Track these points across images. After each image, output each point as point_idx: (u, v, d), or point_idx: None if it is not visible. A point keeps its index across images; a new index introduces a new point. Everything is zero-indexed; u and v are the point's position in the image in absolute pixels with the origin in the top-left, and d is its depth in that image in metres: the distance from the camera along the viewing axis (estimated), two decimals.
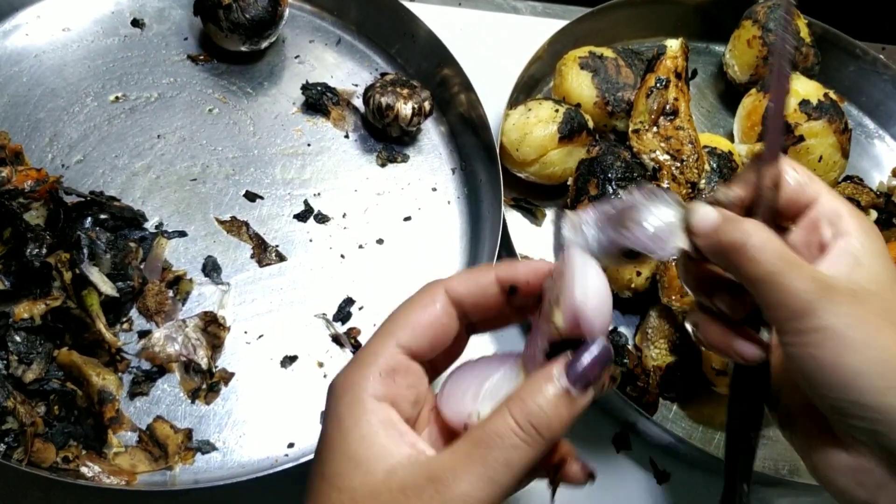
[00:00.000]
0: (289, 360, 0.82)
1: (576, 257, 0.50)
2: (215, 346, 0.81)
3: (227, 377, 0.80)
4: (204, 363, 0.79)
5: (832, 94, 1.03)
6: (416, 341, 0.51)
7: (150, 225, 0.86)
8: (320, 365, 0.83)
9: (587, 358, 0.47)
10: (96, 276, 0.77)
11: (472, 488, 0.44)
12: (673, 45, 0.97)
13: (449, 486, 0.44)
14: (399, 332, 0.51)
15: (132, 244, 0.83)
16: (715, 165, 0.94)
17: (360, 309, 0.87)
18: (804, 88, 1.01)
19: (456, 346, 0.56)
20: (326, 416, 0.50)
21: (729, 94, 1.16)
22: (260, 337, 0.83)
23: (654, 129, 0.94)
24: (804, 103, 1.00)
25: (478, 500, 0.44)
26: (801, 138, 0.99)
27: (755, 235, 0.49)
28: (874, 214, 1.00)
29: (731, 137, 1.08)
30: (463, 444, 0.46)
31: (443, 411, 0.53)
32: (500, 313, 0.55)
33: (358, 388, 0.49)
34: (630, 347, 0.89)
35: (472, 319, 0.55)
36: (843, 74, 1.20)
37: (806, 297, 0.46)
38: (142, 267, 0.83)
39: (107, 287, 0.78)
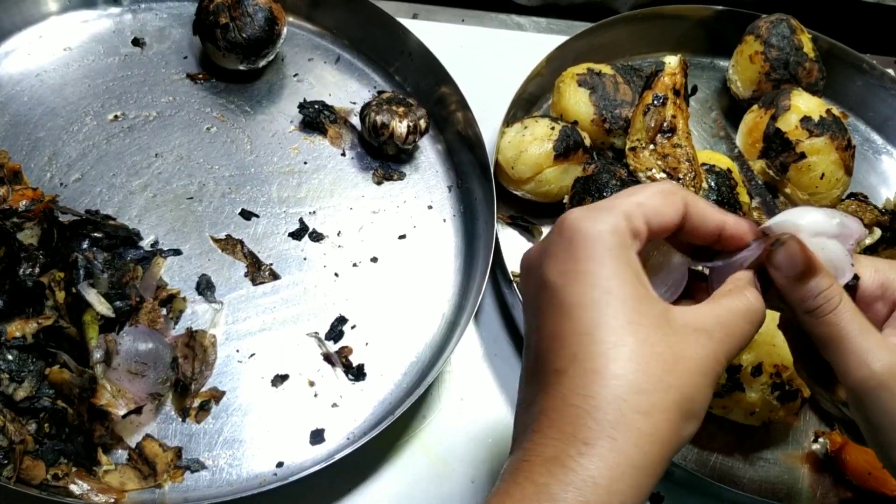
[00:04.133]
0: (280, 379, 0.82)
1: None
2: (205, 362, 0.81)
3: (217, 396, 0.81)
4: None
5: (835, 111, 1.01)
6: (653, 224, 0.53)
7: (145, 243, 0.87)
8: (311, 384, 0.83)
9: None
10: (93, 296, 0.78)
11: (722, 349, 0.51)
12: (671, 61, 0.96)
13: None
14: (647, 203, 0.53)
15: (131, 263, 0.84)
16: (713, 183, 0.93)
17: (353, 328, 0.87)
18: (806, 105, 1.00)
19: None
20: (574, 257, 0.51)
21: (732, 110, 1.15)
22: (252, 355, 0.83)
23: (651, 146, 0.93)
24: (805, 120, 0.99)
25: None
26: (803, 155, 0.98)
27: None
28: (878, 233, 0.98)
29: (733, 154, 1.07)
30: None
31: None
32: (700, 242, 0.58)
33: (616, 239, 0.50)
34: None
35: (679, 234, 0.56)
36: (850, 89, 1.18)
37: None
38: (138, 286, 0.83)
39: (103, 307, 0.78)
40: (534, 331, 0.52)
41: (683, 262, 0.58)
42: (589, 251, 0.50)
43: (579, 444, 0.46)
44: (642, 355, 0.48)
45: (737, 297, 0.53)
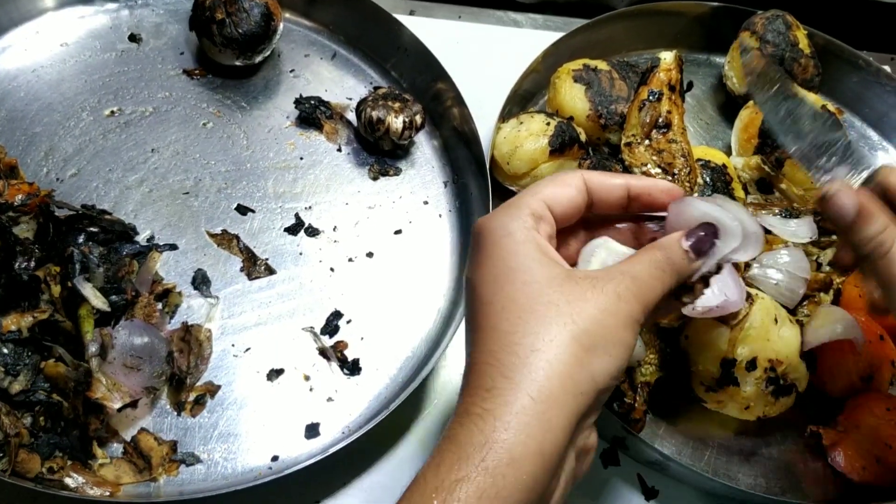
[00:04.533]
0: (275, 374, 0.83)
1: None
2: (200, 357, 0.81)
3: (213, 390, 0.81)
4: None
5: (830, 107, 1.01)
6: (556, 206, 0.58)
7: (141, 238, 0.87)
8: (306, 378, 0.83)
9: (700, 229, 0.57)
10: (88, 290, 0.78)
11: (623, 289, 0.54)
12: (667, 57, 0.96)
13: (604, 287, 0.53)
14: (545, 193, 0.58)
15: (127, 258, 0.84)
16: (708, 179, 0.93)
17: (348, 322, 0.87)
18: None
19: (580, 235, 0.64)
20: (480, 248, 0.57)
21: (728, 106, 1.15)
22: (247, 350, 0.83)
23: (647, 142, 0.93)
24: None
25: (627, 299, 0.53)
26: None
27: None
28: None
29: (729, 150, 1.07)
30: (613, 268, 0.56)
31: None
32: (617, 210, 0.63)
33: (516, 223, 0.56)
34: None
35: (594, 208, 0.62)
36: (846, 86, 1.18)
37: None
38: (133, 280, 0.83)
39: (99, 301, 0.78)
40: (471, 331, 0.56)
41: (629, 251, 0.61)
42: (502, 249, 0.56)
43: (481, 392, 0.51)
44: (533, 306, 0.52)
45: (645, 253, 0.57)
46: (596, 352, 0.52)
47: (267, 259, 0.89)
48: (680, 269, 0.56)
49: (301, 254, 0.90)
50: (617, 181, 0.61)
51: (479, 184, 0.94)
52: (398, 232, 0.94)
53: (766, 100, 0.60)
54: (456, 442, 0.49)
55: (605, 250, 0.60)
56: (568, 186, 0.59)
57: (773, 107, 0.58)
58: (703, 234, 0.57)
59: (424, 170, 1.00)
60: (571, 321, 0.51)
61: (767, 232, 0.93)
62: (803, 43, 1.09)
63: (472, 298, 0.56)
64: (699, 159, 0.94)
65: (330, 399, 0.82)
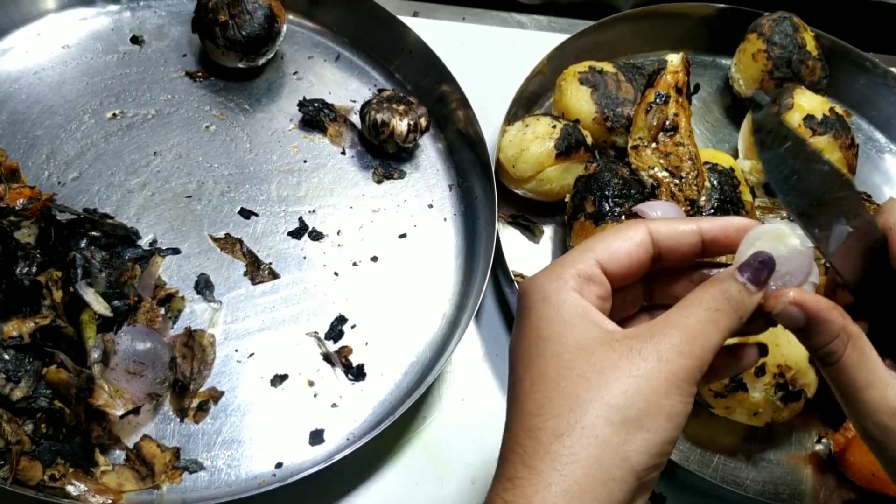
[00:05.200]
0: (279, 379, 0.82)
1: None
2: (203, 362, 0.80)
3: (216, 396, 0.80)
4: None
5: (838, 109, 1.01)
6: (612, 263, 0.52)
7: (143, 242, 0.87)
8: (310, 384, 0.82)
9: (755, 259, 0.50)
10: (91, 295, 0.77)
11: (667, 347, 0.47)
12: (674, 59, 0.95)
13: (658, 342, 0.47)
14: (598, 250, 0.52)
15: (129, 262, 0.83)
16: (716, 182, 0.92)
17: (353, 327, 0.86)
18: (809, 103, 1.00)
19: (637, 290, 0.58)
20: (519, 316, 0.52)
21: (735, 109, 1.14)
22: (251, 355, 0.83)
23: (654, 145, 0.93)
24: (809, 118, 0.98)
25: (679, 353, 0.47)
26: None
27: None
28: None
29: (736, 152, 1.06)
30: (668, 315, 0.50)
31: None
32: (690, 261, 0.56)
33: (555, 285, 0.50)
34: None
35: (663, 262, 0.55)
36: (853, 88, 1.17)
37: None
38: (136, 285, 0.83)
39: (101, 307, 0.78)
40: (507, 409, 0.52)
41: (801, 248, 0.54)
42: (537, 316, 0.50)
43: (504, 482, 0.46)
44: (559, 382, 0.47)
45: (695, 295, 0.51)
46: (629, 429, 0.45)
47: (270, 263, 0.88)
48: (738, 306, 0.49)
49: (305, 258, 0.90)
50: (688, 228, 0.53)
51: (484, 187, 0.93)
52: (403, 236, 0.93)
53: (772, 157, 0.56)
54: None
55: (770, 239, 0.53)
56: (628, 241, 0.52)
57: (778, 164, 0.55)
58: (760, 260, 0.50)
59: (429, 173, 0.99)
60: (599, 396, 0.46)
61: None
62: (811, 45, 1.08)
63: (509, 373, 0.51)
64: (706, 162, 0.93)
65: (334, 405, 0.81)
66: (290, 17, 1.06)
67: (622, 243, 0.52)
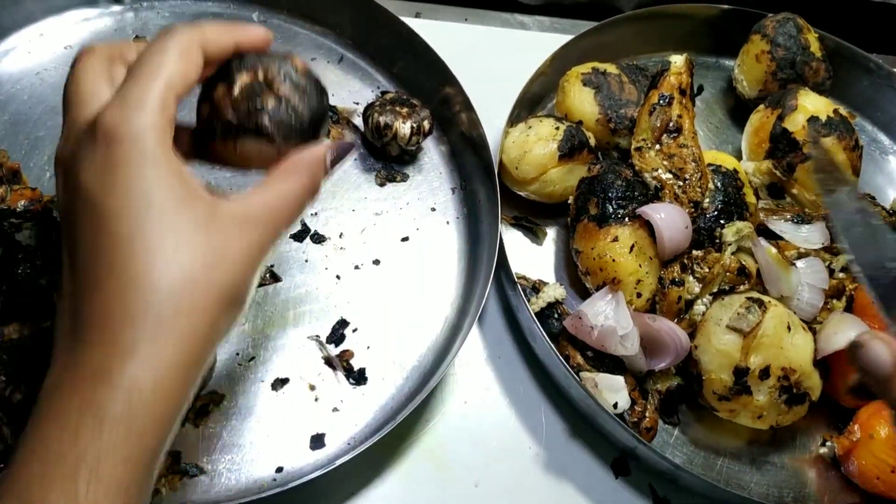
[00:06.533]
0: (280, 383, 0.81)
1: None
2: None
3: (216, 399, 0.79)
4: None
5: (842, 110, 1.00)
6: (182, 84, 0.51)
7: None
8: (312, 388, 0.82)
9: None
10: None
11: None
12: (677, 60, 0.95)
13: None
14: (171, 77, 0.50)
15: None
16: (719, 184, 0.92)
17: (355, 331, 0.86)
18: (813, 105, 0.99)
19: None
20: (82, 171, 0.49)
21: (738, 110, 1.14)
22: (252, 359, 0.82)
23: (657, 146, 0.92)
24: (813, 120, 0.98)
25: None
26: (810, 156, 0.97)
27: None
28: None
29: (739, 154, 1.06)
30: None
31: None
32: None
33: (142, 138, 0.48)
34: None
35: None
36: (857, 89, 1.17)
37: None
38: None
39: None
40: (71, 238, 0.50)
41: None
42: (126, 157, 0.48)
43: (122, 354, 0.46)
44: (180, 259, 0.47)
45: (288, 179, 0.54)
46: (234, 307, 0.52)
47: (272, 266, 0.88)
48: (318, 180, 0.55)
49: (307, 261, 0.89)
50: (226, 36, 0.55)
51: (487, 190, 0.92)
52: (405, 239, 0.93)
53: (832, 201, 0.56)
54: (93, 404, 0.46)
55: None
56: (193, 63, 0.52)
57: (844, 213, 0.55)
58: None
59: (432, 176, 0.98)
60: (218, 282, 0.49)
61: (779, 238, 0.92)
62: (814, 46, 1.07)
63: (90, 212, 0.48)
64: (710, 164, 0.93)
65: (336, 409, 0.81)
66: (294, 18, 1.06)
67: (188, 66, 0.52)
